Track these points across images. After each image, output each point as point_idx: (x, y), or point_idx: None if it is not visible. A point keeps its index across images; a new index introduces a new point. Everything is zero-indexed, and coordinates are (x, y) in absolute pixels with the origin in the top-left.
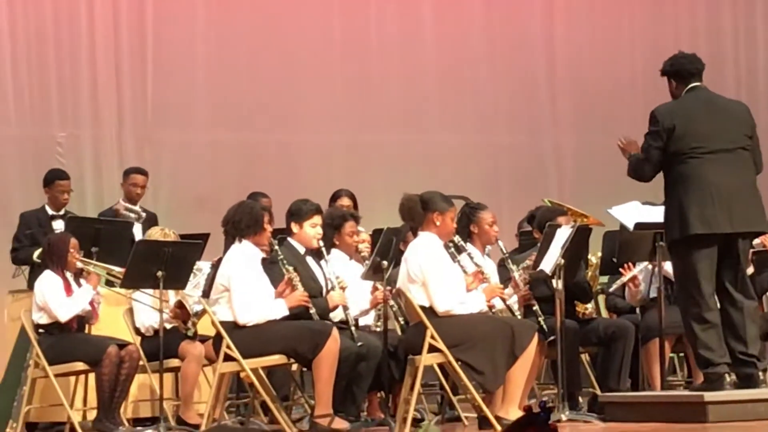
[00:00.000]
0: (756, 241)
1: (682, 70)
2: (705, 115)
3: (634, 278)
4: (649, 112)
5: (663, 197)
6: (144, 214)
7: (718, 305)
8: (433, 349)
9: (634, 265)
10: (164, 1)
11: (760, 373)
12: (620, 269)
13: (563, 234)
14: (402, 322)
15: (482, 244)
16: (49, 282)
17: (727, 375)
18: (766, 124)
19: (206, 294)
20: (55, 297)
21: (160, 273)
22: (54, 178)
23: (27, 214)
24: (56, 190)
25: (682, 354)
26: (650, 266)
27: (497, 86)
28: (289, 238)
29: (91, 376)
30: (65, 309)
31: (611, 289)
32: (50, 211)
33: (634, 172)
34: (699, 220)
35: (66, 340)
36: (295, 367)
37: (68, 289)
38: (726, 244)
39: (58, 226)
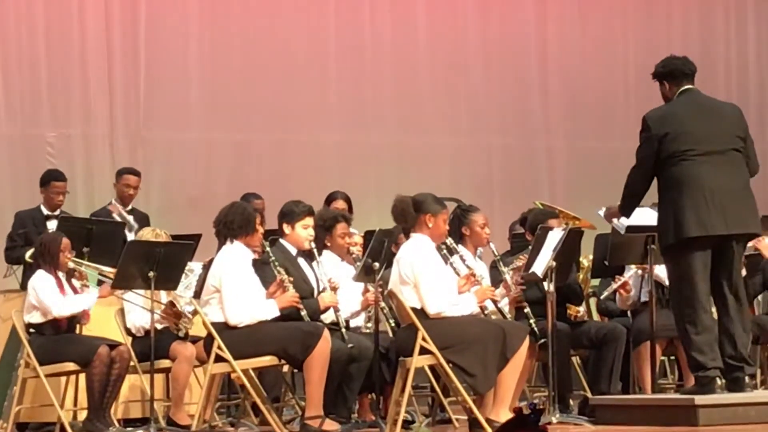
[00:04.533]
0: (749, 245)
1: (675, 71)
2: (696, 117)
3: (624, 284)
4: (640, 115)
5: (655, 200)
6: (135, 225)
7: (711, 308)
8: (424, 351)
9: (623, 271)
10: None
11: (747, 378)
12: (613, 278)
13: (555, 236)
14: (393, 324)
15: (474, 246)
16: (42, 281)
17: (718, 379)
18: (757, 125)
19: (198, 295)
20: (50, 294)
21: (151, 273)
22: (50, 179)
23: (22, 213)
24: (52, 191)
25: (673, 357)
26: (639, 272)
27: (490, 89)
28: (280, 239)
29: (82, 377)
30: (63, 305)
31: (602, 297)
32: (45, 211)
33: (629, 187)
34: (694, 222)
35: (57, 340)
36: (286, 368)
37: (61, 289)
38: (720, 246)
39: (53, 226)
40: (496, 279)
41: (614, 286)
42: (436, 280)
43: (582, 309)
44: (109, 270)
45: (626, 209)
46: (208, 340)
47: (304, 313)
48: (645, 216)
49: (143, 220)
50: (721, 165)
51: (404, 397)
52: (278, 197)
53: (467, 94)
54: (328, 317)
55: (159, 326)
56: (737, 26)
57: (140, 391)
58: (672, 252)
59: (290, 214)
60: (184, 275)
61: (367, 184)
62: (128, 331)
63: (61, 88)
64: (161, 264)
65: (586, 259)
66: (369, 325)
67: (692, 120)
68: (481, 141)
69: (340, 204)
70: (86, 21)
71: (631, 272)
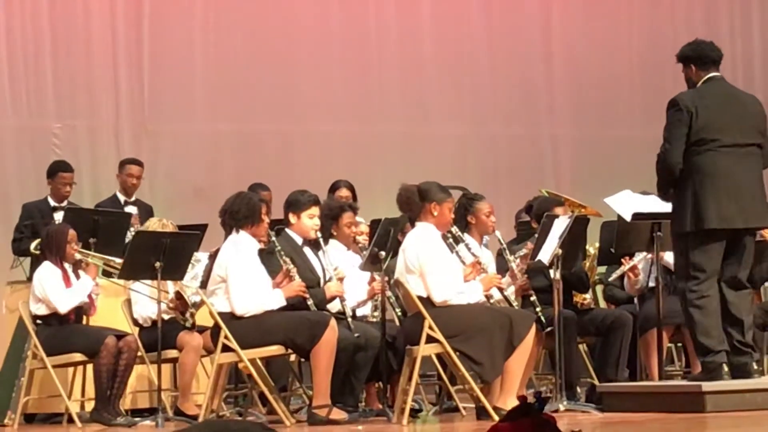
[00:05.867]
0: None
1: (704, 56)
2: (724, 108)
3: (633, 268)
4: (645, 103)
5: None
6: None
7: (718, 293)
8: (431, 339)
9: (632, 256)
10: None
11: (754, 364)
12: (621, 260)
13: (561, 224)
14: (399, 313)
15: (479, 235)
16: (48, 273)
17: (725, 365)
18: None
19: (204, 285)
20: (55, 289)
21: (158, 264)
22: (57, 170)
23: (29, 205)
24: (59, 182)
25: (680, 344)
26: (649, 256)
27: (495, 77)
28: (286, 229)
29: (90, 367)
30: (65, 301)
31: (611, 279)
32: (52, 203)
33: (663, 165)
34: (715, 215)
35: (64, 331)
36: (293, 357)
37: (67, 281)
38: (734, 237)
39: (60, 217)
40: (503, 267)
41: (624, 268)
42: (441, 269)
43: (588, 296)
44: (117, 261)
45: (663, 192)
46: (215, 330)
47: (310, 302)
48: (649, 203)
49: (147, 212)
50: (742, 158)
51: (411, 385)
52: (283, 188)
53: (472, 83)
54: (334, 306)
55: (166, 316)
56: (742, 13)
57: (148, 381)
58: (687, 239)
59: (296, 203)
60: (190, 265)
61: (373, 174)
62: (135, 322)
63: (67, 80)
64: (168, 254)
65: (592, 247)
66: (375, 314)
67: (720, 110)
68: (487, 130)
69: (344, 192)
70: (91, 13)
71: (641, 256)
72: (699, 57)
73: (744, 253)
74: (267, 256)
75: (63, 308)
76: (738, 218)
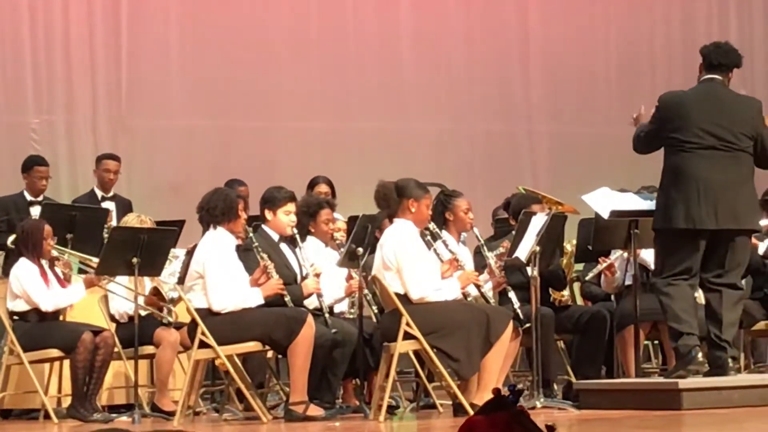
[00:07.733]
0: None
1: (705, 58)
2: (707, 111)
3: (610, 266)
4: (623, 100)
5: (638, 184)
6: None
7: (689, 285)
8: (408, 336)
9: (608, 255)
10: None
11: (731, 360)
12: (599, 259)
13: (538, 221)
14: (376, 310)
15: (457, 232)
16: (25, 270)
17: (698, 348)
18: None
19: (182, 281)
20: (34, 286)
21: (135, 260)
22: (33, 164)
23: (5, 199)
24: (35, 176)
25: (656, 341)
26: (626, 254)
27: (473, 74)
28: (263, 226)
29: (66, 363)
30: (51, 301)
31: (588, 278)
32: (28, 197)
33: (633, 141)
34: (683, 215)
35: (40, 326)
36: (270, 354)
37: (44, 276)
38: (716, 237)
39: (36, 212)
40: (480, 264)
41: (600, 267)
42: (418, 265)
43: (566, 293)
44: (94, 260)
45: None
46: (192, 326)
47: (287, 298)
48: (627, 201)
49: (125, 207)
50: (720, 160)
51: (388, 382)
52: (261, 184)
53: (450, 80)
54: (311, 303)
55: (143, 312)
56: (719, 12)
57: (124, 377)
58: (661, 235)
59: (272, 200)
60: (168, 261)
61: (351, 171)
62: (112, 318)
63: (45, 76)
64: (145, 250)
65: (569, 244)
66: (352, 310)
67: (701, 112)
68: (464, 127)
69: (322, 188)
70: (69, 9)
71: (617, 254)
72: (703, 57)
73: (730, 253)
74: (244, 252)
75: (46, 306)
76: (709, 219)
